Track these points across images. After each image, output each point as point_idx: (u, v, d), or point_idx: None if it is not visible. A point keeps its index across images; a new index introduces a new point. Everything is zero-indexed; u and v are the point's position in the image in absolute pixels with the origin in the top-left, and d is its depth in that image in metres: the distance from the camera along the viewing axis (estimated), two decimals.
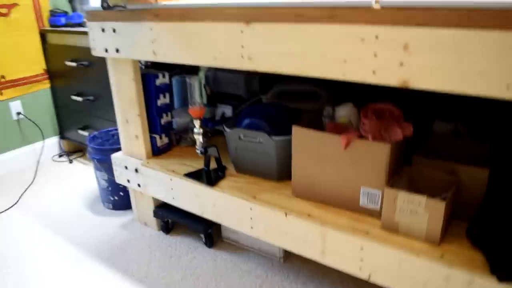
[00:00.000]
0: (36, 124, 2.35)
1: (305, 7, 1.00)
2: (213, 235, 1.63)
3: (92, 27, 1.48)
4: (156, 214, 1.67)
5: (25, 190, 2.10)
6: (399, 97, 1.46)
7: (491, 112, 1.37)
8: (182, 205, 1.50)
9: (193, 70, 1.86)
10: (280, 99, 1.68)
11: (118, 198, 1.85)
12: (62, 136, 2.48)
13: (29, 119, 2.33)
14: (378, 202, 1.14)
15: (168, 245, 1.63)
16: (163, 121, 1.61)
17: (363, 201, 1.17)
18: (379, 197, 1.14)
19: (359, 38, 0.95)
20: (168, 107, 1.63)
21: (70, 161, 2.40)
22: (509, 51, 0.79)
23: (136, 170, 1.60)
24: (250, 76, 1.74)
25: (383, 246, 1.07)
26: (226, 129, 1.40)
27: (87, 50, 2.09)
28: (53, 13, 2.32)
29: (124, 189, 1.83)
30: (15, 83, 2.25)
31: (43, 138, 2.41)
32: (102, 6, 1.39)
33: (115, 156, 1.68)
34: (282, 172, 1.37)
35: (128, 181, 1.67)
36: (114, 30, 1.41)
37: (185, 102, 1.80)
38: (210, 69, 1.84)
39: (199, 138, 1.39)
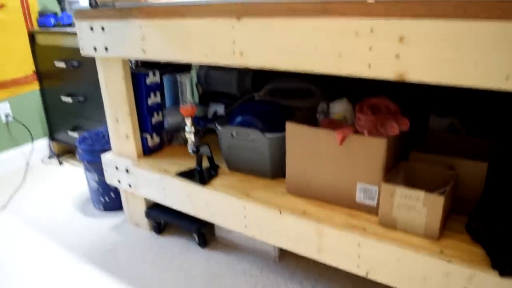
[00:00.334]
0: (25, 126, 2.31)
1: (298, 2, 0.98)
2: (207, 234, 1.60)
3: (81, 26, 1.44)
4: (148, 214, 1.64)
5: (14, 193, 2.05)
6: (394, 92, 1.44)
7: (488, 106, 1.36)
8: (174, 205, 1.47)
9: (184, 68, 1.84)
10: (273, 96, 1.66)
11: (109, 200, 1.81)
12: (52, 138, 2.44)
13: (18, 121, 2.28)
14: (375, 198, 1.12)
15: (161, 246, 1.59)
16: (154, 120, 1.58)
17: (359, 197, 1.15)
18: (376, 192, 1.12)
19: (354, 31, 0.93)
20: (159, 106, 1.60)
21: (60, 163, 2.36)
22: (507, 41, 0.77)
23: (127, 170, 1.57)
24: (243, 73, 1.72)
25: (380, 242, 1.05)
26: (218, 127, 1.38)
27: (77, 50, 2.05)
28: (42, 14, 2.28)
29: (115, 190, 1.80)
30: (3, 85, 2.21)
31: (32, 140, 2.36)
32: (90, 4, 1.36)
33: (105, 157, 1.64)
34: (276, 170, 1.35)
35: (119, 181, 1.63)
36: (102, 29, 1.38)
37: (176, 101, 1.77)
38: (201, 67, 1.82)
39: (190, 137, 1.36)
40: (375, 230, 1.09)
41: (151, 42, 1.26)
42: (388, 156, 1.09)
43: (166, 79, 1.73)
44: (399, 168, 1.15)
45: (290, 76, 1.83)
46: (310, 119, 1.27)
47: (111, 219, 1.79)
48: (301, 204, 1.22)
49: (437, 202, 0.99)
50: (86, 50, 1.48)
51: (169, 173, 1.45)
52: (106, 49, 1.40)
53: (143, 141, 1.58)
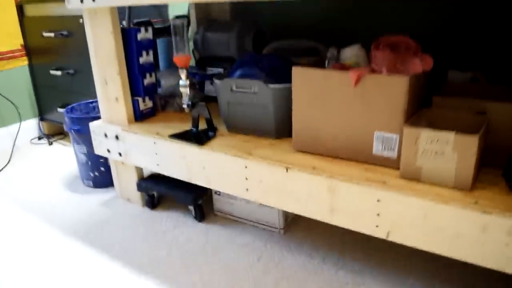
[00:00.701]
0: (12, 103, 2.17)
1: None
2: (204, 208, 1.45)
3: None
4: (139, 187, 1.49)
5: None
6: None
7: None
8: (168, 171, 1.33)
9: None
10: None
11: (99, 174, 1.67)
12: (41, 118, 2.30)
13: (5, 98, 2.14)
14: (395, 148, 0.98)
15: (153, 221, 1.45)
16: (146, 81, 1.44)
17: (377, 149, 1.00)
18: (397, 141, 0.97)
19: None
20: (152, 67, 1.45)
21: (50, 143, 2.21)
22: None
23: (117, 137, 1.43)
24: (243, 34, 1.58)
25: (404, 195, 0.90)
26: (216, 81, 1.24)
27: (67, 19, 1.93)
28: None
29: (105, 164, 1.65)
30: None
31: (20, 119, 2.22)
32: None
33: (93, 124, 1.50)
34: (281, 128, 1.20)
35: (108, 151, 1.49)
36: None
37: (171, 65, 1.64)
38: (198, 31, 1.68)
39: (185, 91, 1.22)
40: (397, 183, 0.94)
41: None
42: (409, 98, 0.95)
43: (160, 41, 1.60)
44: (420, 115, 1.00)
45: (294, 36, 1.69)
46: (318, 67, 1.12)
47: (101, 196, 1.64)
48: (310, 160, 1.08)
49: (470, 144, 0.85)
50: (72, 3, 1.34)
51: (163, 136, 1.31)
52: None
53: (134, 104, 1.44)
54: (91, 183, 1.69)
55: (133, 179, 1.52)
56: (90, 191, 1.69)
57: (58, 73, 2.03)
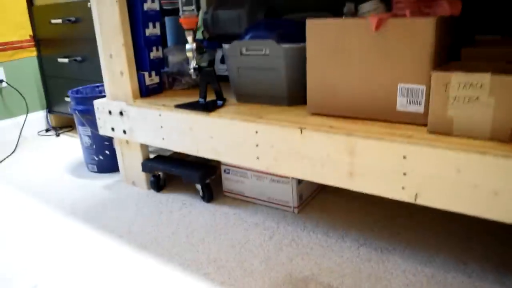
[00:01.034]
0: (20, 94, 2.13)
1: None
2: (213, 189, 1.36)
3: None
4: (144, 167, 1.41)
5: (4, 159, 1.85)
6: None
7: None
8: (174, 145, 1.24)
9: None
10: None
11: (103, 158, 1.59)
12: (49, 110, 2.25)
13: (14, 88, 2.10)
14: (422, 102, 0.88)
15: (159, 202, 1.36)
16: (152, 55, 1.37)
17: (401, 104, 0.90)
18: (423, 93, 0.87)
19: None
20: (159, 40, 1.39)
21: (57, 135, 2.16)
22: None
23: (121, 113, 1.36)
24: (254, 9, 1.51)
25: (433, 148, 0.79)
26: (225, 45, 1.16)
27: (75, 4, 1.90)
28: None
29: (110, 147, 1.58)
30: None
31: (27, 110, 2.18)
32: None
33: (97, 102, 1.44)
34: (294, 94, 1.12)
35: (113, 129, 1.41)
36: None
37: (178, 41, 1.57)
38: (207, 11, 1.62)
39: (192, 55, 1.14)
40: (425, 137, 0.84)
41: None
42: (437, 45, 0.85)
43: (168, 19, 1.53)
44: (449, 66, 0.90)
45: (307, 10, 1.62)
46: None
47: (105, 180, 1.56)
48: (327, 121, 0.98)
49: (509, 86, 0.75)
50: None
51: (168, 107, 1.23)
52: None
53: (140, 79, 1.37)
54: (95, 167, 1.62)
55: (138, 160, 1.44)
56: (94, 176, 1.61)
57: (66, 60, 1.98)
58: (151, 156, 1.46)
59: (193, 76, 1.15)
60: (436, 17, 0.82)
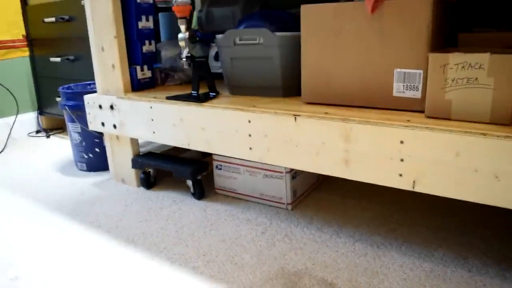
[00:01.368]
0: (11, 93, 2.09)
1: None
2: (204, 186, 1.32)
3: None
4: (135, 163, 1.37)
5: None
6: None
7: None
8: (164, 138, 1.21)
9: None
10: None
11: (93, 156, 1.55)
12: (40, 112, 2.21)
13: (5, 87, 2.07)
14: (419, 86, 0.85)
15: (148, 199, 1.31)
16: (145, 48, 1.35)
17: (398, 89, 0.88)
18: (421, 78, 0.85)
19: None
20: (152, 34, 1.37)
21: (48, 136, 2.12)
22: None
23: (112, 107, 1.32)
24: (249, 6, 1.50)
25: (431, 131, 0.77)
26: (218, 36, 1.14)
27: (68, 3, 1.88)
28: None
29: (100, 144, 1.54)
30: None
31: (18, 111, 2.14)
32: None
33: (88, 96, 1.40)
34: (289, 85, 1.09)
35: (103, 124, 1.38)
36: None
37: (172, 37, 1.55)
38: (202, 9, 1.60)
39: (184, 45, 1.11)
40: (423, 121, 0.81)
41: None
42: (434, 27, 0.83)
43: (161, 14, 1.52)
44: (446, 51, 0.88)
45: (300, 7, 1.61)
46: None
47: (94, 178, 1.52)
48: (322, 109, 0.95)
49: (509, 64, 0.72)
50: None
51: (159, 99, 1.20)
52: None
53: (132, 72, 1.34)
54: (84, 166, 1.58)
55: (128, 156, 1.40)
56: (83, 174, 1.57)
57: (58, 59, 1.96)
58: (142, 153, 1.43)
59: (185, 66, 1.12)
60: None
